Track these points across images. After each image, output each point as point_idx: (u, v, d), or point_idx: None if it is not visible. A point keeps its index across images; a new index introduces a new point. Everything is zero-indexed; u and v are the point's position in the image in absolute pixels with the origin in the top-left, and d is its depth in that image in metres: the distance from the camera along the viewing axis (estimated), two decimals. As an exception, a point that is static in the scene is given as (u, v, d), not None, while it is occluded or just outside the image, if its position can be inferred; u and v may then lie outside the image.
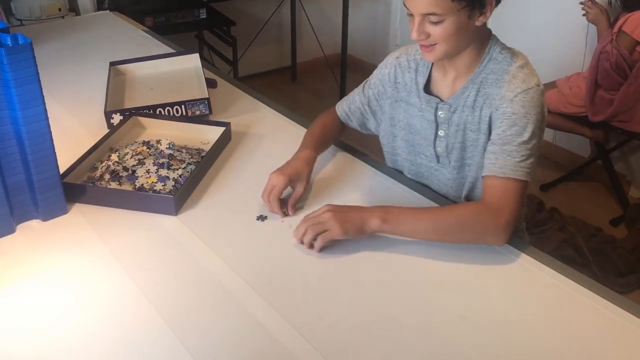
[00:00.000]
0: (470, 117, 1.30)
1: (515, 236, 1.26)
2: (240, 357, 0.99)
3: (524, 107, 1.22)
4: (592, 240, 2.66)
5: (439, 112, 1.34)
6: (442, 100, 1.33)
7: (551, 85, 2.91)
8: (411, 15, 1.23)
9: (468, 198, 1.39)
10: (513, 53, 1.29)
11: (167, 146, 1.50)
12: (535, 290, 1.13)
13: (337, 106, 1.56)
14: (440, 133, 1.35)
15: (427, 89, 1.36)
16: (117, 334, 1.03)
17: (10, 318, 1.06)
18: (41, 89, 1.18)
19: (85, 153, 1.47)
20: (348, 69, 3.80)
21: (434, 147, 1.38)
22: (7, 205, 1.23)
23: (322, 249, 1.19)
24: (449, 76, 1.33)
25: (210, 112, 1.71)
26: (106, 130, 1.62)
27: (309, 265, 1.18)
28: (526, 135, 1.21)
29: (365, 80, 1.52)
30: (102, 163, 1.47)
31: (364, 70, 4.32)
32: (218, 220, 1.32)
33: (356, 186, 1.44)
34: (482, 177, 1.25)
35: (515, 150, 1.21)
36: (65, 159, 1.43)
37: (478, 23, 1.23)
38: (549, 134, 3.24)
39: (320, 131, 1.51)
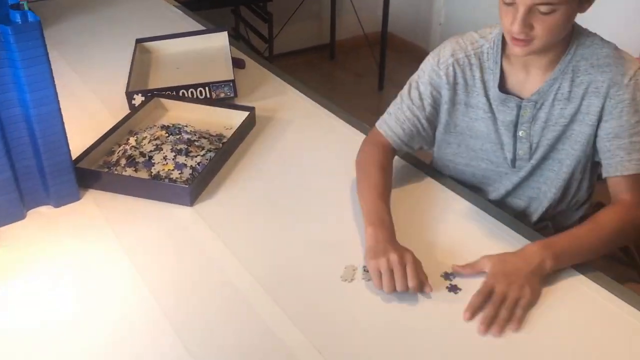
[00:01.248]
0: (566, 109, 1.17)
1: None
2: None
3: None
4: (640, 239, 2.50)
5: (522, 111, 1.20)
6: (521, 98, 1.20)
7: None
8: (509, 4, 1.09)
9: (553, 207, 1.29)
10: (598, 36, 1.18)
11: (187, 131, 1.42)
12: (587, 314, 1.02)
13: (385, 134, 1.29)
14: (521, 134, 1.22)
15: (501, 87, 1.21)
16: (119, 331, 0.97)
17: (13, 306, 1.02)
18: (51, 70, 1.12)
19: (102, 136, 1.41)
20: (388, 47, 3.66)
21: (514, 150, 1.24)
22: (17, 191, 1.18)
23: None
24: (532, 70, 1.19)
25: (236, 95, 1.63)
26: (127, 112, 1.56)
27: (325, 269, 1.09)
28: None
29: (405, 94, 1.29)
30: (120, 147, 1.41)
31: (405, 49, 4.22)
32: (236, 214, 1.25)
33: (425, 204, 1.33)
34: (611, 176, 1.16)
35: None
36: (84, 141, 1.38)
37: (582, 11, 1.11)
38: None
39: (383, 181, 1.21)
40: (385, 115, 1.32)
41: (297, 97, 1.72)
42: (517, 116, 1.21)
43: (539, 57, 1.17)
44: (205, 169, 1.31)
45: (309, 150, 1.46)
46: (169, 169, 1.31)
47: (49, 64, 1.11)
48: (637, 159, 1.13)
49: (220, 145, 1.42)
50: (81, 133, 1.45)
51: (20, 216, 1.21)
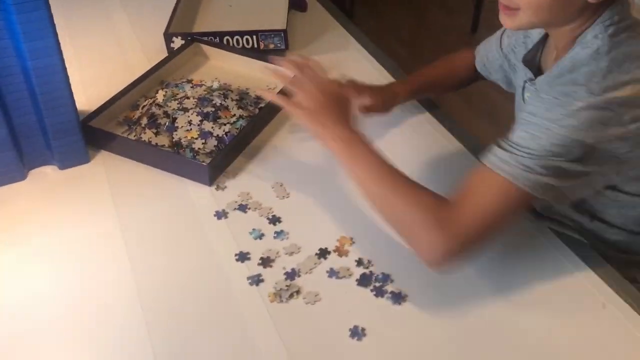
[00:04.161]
0: None
1: None
2: None
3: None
4: None
5: (526, 93, 1.03)
6: (533, 78, 1.01)
7: None
8: None
9: None
10: (615, 44, 0.84)
11: (218, 89, 1.23)
12: None
13: (476, 53, 1.26)
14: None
15: (533, 58, 1.04)
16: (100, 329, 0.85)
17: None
18: (51, 17, 0.95)
19: (128, 86, 1.25)
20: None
21: None
22: (15, 149, 1.04)
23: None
24: (553, 52, 0.98)
25: (287, 47, 1.41)
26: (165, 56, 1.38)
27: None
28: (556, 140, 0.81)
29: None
30: (145, 100, 1.24)
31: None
32: (262, 196, 1.06)
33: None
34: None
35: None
36: (114, 87, 1.23)
37: None
38: None
39: (434, 71, 1.30)
40: (482, 43, 1.26)
41: (358, 56, 1.47)
42: (522, 96, 1.05)
43: (553, 37, 0.96)
44: (232, 142, 1.12)
45: (369, 123, 1.24)
46: (192, 137, 1.14)
47: (49, 10, 0.94)
48: (495, 154, 0.84)
49: (256, 111, 1.22)
50: (114, 77, 1.31)
51: (20, 176, 1.08)
